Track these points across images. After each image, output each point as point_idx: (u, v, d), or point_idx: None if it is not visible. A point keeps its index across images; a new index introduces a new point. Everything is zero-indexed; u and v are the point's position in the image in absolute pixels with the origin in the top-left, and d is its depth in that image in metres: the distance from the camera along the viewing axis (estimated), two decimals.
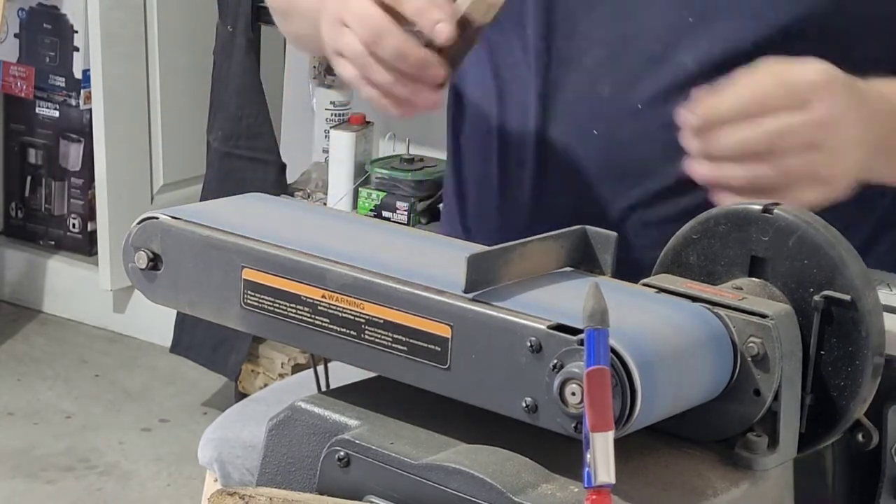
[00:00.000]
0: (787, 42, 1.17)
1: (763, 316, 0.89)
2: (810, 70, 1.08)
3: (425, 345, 0.89)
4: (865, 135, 1.09)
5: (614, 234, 0.97)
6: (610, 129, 1.24)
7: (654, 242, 1.04)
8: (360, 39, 1.14)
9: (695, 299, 0.91)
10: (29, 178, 3.90)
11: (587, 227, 0.97)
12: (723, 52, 1.20)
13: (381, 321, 0.90)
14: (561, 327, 0.84)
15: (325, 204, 3.01)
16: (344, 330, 0.92)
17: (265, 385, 3.16)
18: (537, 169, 1.28)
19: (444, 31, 1.10)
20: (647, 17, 1.23)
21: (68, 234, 3.86)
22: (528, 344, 0.84)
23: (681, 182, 1.17)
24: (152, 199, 3.67)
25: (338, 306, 0.92)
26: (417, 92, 1.14)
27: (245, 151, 3.20)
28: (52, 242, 3.88)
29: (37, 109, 3.82)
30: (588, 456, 0.76)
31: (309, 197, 3.24)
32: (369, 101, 1.18)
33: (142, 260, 1.01)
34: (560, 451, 0.85)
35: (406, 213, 3.26)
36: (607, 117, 1.24)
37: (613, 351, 0.81)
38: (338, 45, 1.16)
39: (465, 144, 1.38)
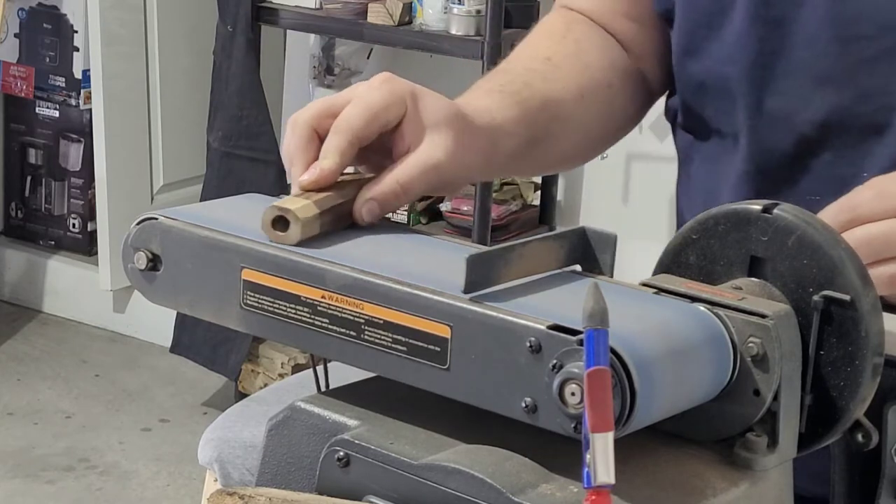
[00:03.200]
0: None
1: (762, 316, 0.89)
2: None
3: (425, 345, 0.89)
4: None
5: (614, 234, 0.97)
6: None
7: None
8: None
9: (694, 299, 0.91)
10: (29, 178, 3.90)
11: (587, 227, 0.97)
12: None
13: (381, 321, 0.90)
14: (560, 327, 0.84)
15: None
16: (344, 330, 0.92)
17: (265, 385, 3.16)
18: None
19: (305, 181, 1.03)
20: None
21: (68, 234, 3.86)
22: (528, 344, 0.84)
23: None
24: (152, 199, 3.68)
25: (337, 307, 0.92)
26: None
27: (245, 151, 3.20)
28: (52, 242, 3.88)
29: (37, 109, 3.82)
30: (588, 456, 0.76)
31: None
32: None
33: (141, 260, 1.01)
34: (560, 451, 0.85)
35: (406, 212, 3.26)
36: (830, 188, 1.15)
37: (613, 351, 0.80)
38: None
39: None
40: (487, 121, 1.15)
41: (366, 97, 1.06)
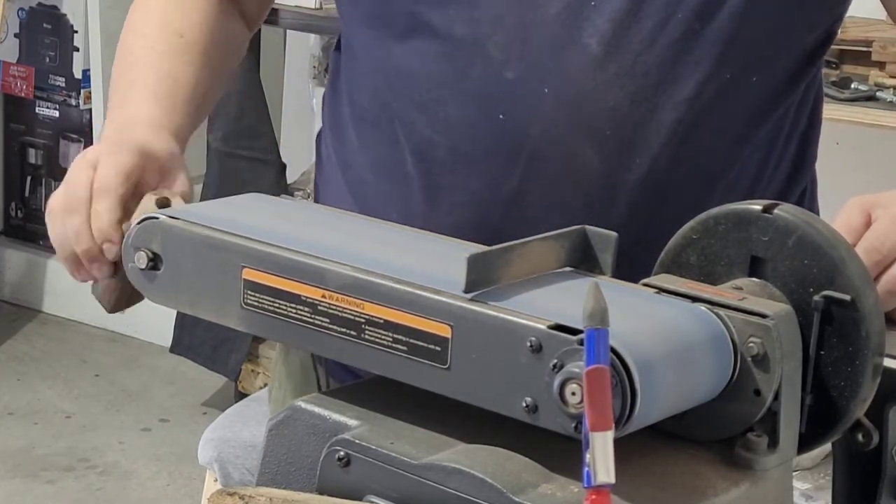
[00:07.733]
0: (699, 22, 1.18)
1: (763, 316, 0.89)
2: None
3: (425, 345, 0.89)
4: None
5: (614, 234, 0.97)
6: (517, 114, 1.21)
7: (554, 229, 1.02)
8: (61, 199, 1.16)
9: (695, 299, 0.91)
10: (29, 178, 3.90)
11: (587, 227, 0.97)
12: (626, 33, 1.19)
13: (381, 321, 0.90)
14: (561, 327, 0.84)
15: None
16: (344, 330, 0.92)
17: (265, 385, 3.16)
18: (442, 155, 1.24)
19: (110, 251, 1.13)
20: (550, 1, 1.21)
21: None
22: (529, 344, 0.84)
23: (584, 164, 1.18)
24: None
25: (338, 306, 0.92)
26: (83, 269, 1.20)
27: (245, 151, 3.20)
28: None
29: (37, 109, 3.82)
30: (587, 455, 0.76)
31: (309, 197, 3.24)
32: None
33: (142, 260, 1.02)
34: (560, 451, 0.85)
35: None
36: (514, 102, 1.21)
37: (613, 350, 0.81)
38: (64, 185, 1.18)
39: (362, 124, 1.33)
40: (169, 135, 1.25)
41: (115, 160, 1.15)
